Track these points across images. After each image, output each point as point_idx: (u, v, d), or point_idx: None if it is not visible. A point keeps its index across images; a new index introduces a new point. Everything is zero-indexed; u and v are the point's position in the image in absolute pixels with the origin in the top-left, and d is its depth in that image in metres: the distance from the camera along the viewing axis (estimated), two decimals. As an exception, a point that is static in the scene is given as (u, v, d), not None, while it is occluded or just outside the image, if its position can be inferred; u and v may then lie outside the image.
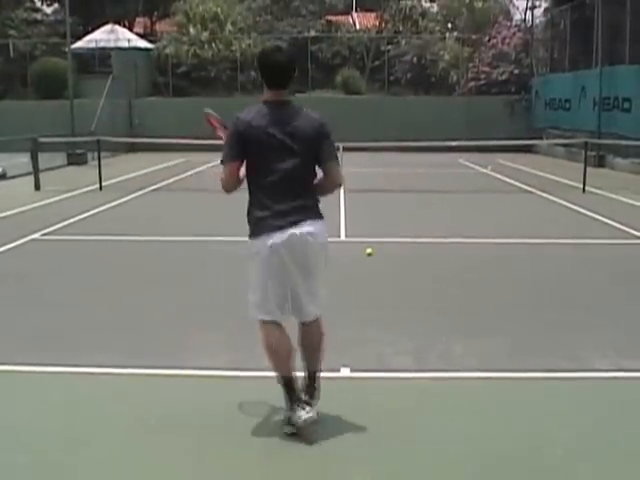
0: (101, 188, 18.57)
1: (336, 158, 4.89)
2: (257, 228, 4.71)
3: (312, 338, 4.99)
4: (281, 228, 4.64)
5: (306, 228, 4.70)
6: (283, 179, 4.68)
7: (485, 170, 24.16)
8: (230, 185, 4.80)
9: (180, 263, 10.33)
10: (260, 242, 4.66)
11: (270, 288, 4.72)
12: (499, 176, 22.38)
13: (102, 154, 20.29)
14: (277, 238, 4.63)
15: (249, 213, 4.80)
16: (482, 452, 4.67)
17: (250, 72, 37.41)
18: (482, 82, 35.36)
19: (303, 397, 4.83)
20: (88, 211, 14.87)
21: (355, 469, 4.46)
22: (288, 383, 4.80)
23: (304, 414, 4.70)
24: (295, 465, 4.49)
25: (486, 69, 35.40)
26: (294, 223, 4.67)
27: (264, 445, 4.59)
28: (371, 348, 6.57)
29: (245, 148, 4.67)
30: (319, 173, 4.89)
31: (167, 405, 5.36)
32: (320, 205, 4.92)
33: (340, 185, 4.99)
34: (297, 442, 4.75)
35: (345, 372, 5.96)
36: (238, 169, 4.75)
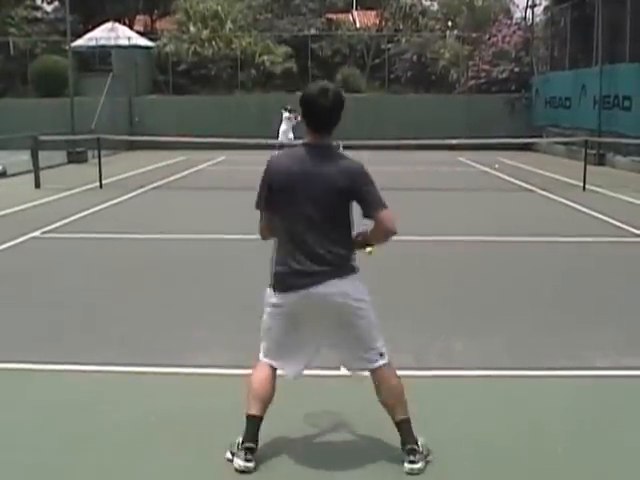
0: (101, 186, 18.57)
1: (382, 204, 4.51)
2: (275, 283, 4.44)
3: (381, 389, 4.53)
4: (301, 287, 4.33)
5: (327, 289, 4.35)
6: (303, 231, 4.33)
7: (488, 169, 24.15)
8: (264, 233, 4.53)
9: (180, 261, 10.32)
10: (274, 299, 4.43)
11: (281, 339, 4.49)
12: (499, 174, 22.38)
13: (102, 152, 20.30)
14: (293, 297, 4.37)
15: (273, 261, 4.48)
16: (482, 451, 4.67)
17: (250, 70, 37.41)
18: (482, 80, 35.36)
19: (254, 446, 4.43)
20: (88, 209, 14.87)
21: (354, 467, 4.47)
22: (249, 421, 4.47)
23: (240, 462, 4.37)
24: (295, 464, 4.50)
25: (486, 67, 35.39)
26: (310, 284, 4.33)
27: (265, 444, 4.59)
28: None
29: (274, 195, 4.34)
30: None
31: (168, 403, 5.37)
32: (353, 259, 4.60)
33: (393, 232, 4.68)
34: (298, 442, 4.75)
35: (344, 370, 5.95)
36: (270, 219, 4.45)
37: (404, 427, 4.47)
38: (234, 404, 4.80)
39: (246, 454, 4.39)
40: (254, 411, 4.48)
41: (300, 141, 4.91)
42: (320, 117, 4.33)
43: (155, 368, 6.10)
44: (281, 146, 28.26)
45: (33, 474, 4.43)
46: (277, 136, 26.14)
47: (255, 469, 4.39)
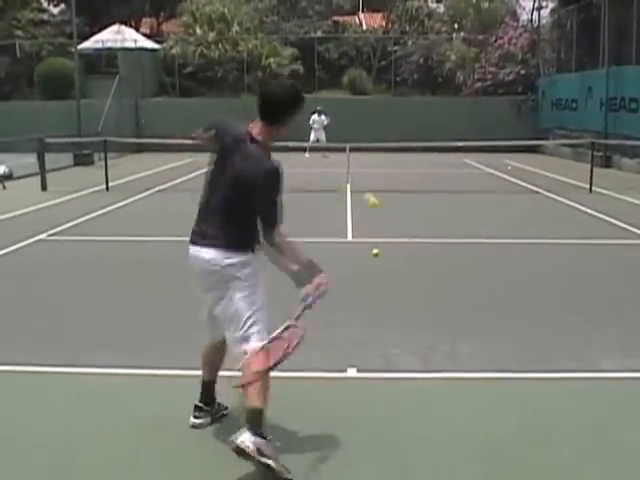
0: (108, 189, 18.59)
1: (268, 215, 4.45)
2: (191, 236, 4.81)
3: (243, 369, 4.52)
4: (194, 244, 4.69)
5: (208, 254, 4.57)
6: (216, 202, 4.68)
7: (495, 171, 24.13)
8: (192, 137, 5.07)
9: (185, 263, 10.30)
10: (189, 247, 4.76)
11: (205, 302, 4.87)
12: (506, 176, 22.36)
13: (109, 154, 20.31)
14: (190, 251, 4.71)
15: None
16: (488, 452, 4.67)
17: (257, 73, 37.42)
18: (489, 82, 35.35)
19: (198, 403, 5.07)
20: (95, 212, 14.89)
21: (361, 469, 4.46)
22: (202, 384, 5.12)
23: (192, 419, 5.02)
24: (299, 464, 4.49)
25: (493, 69, 35.39)
26: (202, 245, 4.62)
27: None
28: (377, 349, 6.57)
29: (217, 142, 4.77)
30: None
31: (170, 405, 5.37)
32: (247, 244, 4.55)
33: (270, 245, 4.50)
34: (301, 441, 4.75)
35: (352, 372, 5.95)
36: (207, 137, 4.91)
37: (249, 415, 4.38)
38: (236, 405, 4.80)
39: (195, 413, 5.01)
40: (204, 376, 5.12)
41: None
42: (264, 104, 4.54)
43: (158, 370, 6.10)
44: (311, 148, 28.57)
45: (34, 475, 4.44)
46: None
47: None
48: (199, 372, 5.99)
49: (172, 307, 8.11)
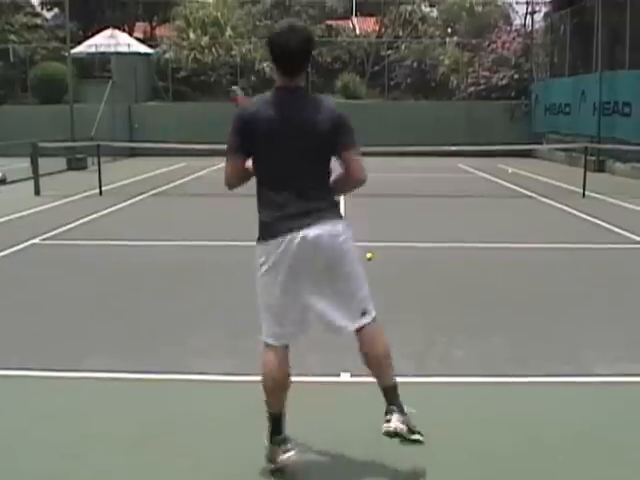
0: (101, 193, 18.57)
1: (357, 150, 4.38)
2: (265, 232, 4.25)
3: (368, 346, 4.37)
4: (291, 231, 4.14)
5: (318, 230, 4.17)
6: (291, 176, 4.20)
7: (489, 175, 24.18)
8: (232, 180, 4.38)
9: (179, 268, 10.31)
10: (268, 248, 4.21)
11: (281, 304, 4.26)
12: (499, 181, 22.39)
13: (102, 159, 20.29)
14: (287, 243, 4.15)
15: (259, 214, 4.34)
16: (481, 458, 4.66)
17: (250, 77, 37.44)
18: (482, 87, 35.41)
19: (287, 438, 4.39)
20: (88, 216, 14.86)
21: (353, 474, 4.45)
22: (275, 419, 4.38)
23: (282, 456, 4.31)
24: (294, 471, 4.48)
25: (486, 74, 35.45)
26: (305, 225, 4.15)
27: (264, 451, 4.58)
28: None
29: (250, 141, 4.20)
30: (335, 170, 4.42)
31: (167, 410, 5.36)
32: (339, 206, 4.49)
33: (363, 181, 4.45)
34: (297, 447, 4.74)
35: (345, 377, 5.95)
36: (242, 164, 4.32)
37: (390, 393, 4.36)
38: (234, 410, 4.79)
39: (282, 445, 4.32)
40: (275, 409, 4.36)
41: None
42: (288, 58, 4.16)
43: (154, 375, 6.09)
44: None
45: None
46: None
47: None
48: (196, 377, 6.00)
49: (167, 310, 8.10)
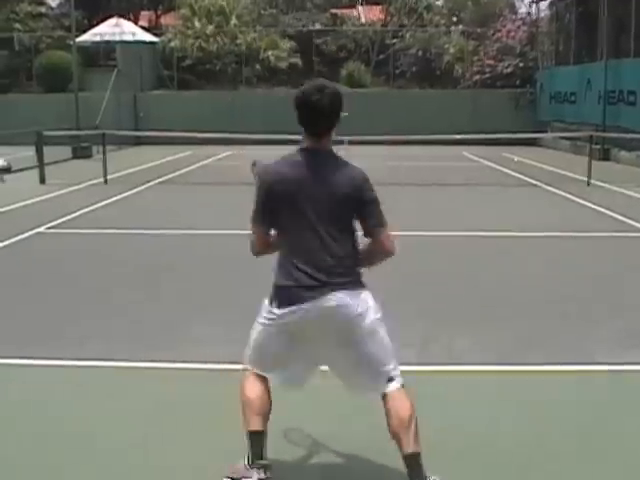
0: (106, 182, 18.60)
1: (384, 222, 4.14)
2: (278, 297, 4.03)
3: (393, 413, 4.02)
4: (306, 300, 3.94)
5: (337, 301, 3.97)
6: (312, 243, 3.97)
7: (494, 164, 24.16)
8: (257, 250, 4.16)
9: (183, 256, 10.35)
10: (279, 314, 4.00)
11: (275, 354, 4.12)
12: (503, 169, 22.38)
13: (108, 148, 20.29)
14: (297, 311, 3.96)
15: (275, 276, 4.09)
16: (484, 448, 4.69)
17: (255, 65, 37.42)
18: (487, 75, 35.32)
19: (268, 463, 4.08)
20: (93, 204, 14.89)
21: (356, 463, 4.48)
22: (253, 437, 4.08)
23: (255, 476, 4.01)
24: (294, 460, 4.52)
25: (491, 62, 35.35)
26: (318, 296, 3.94)
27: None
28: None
29: (273, 206, 3.98)
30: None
31: (168, 397, 5.39)
32: (361, 273, 4.23)
33: (391, 254, 4.23)
34: (297, 436, 4.77)
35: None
36: (266, 234, 4.09)
37: (412, 462, 3.96)
38: (233, 398, 4.80)
39: (265, 472, 4.04)
40: (257, 426, 4.09)
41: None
42: (318, 120, 3.97)
43: (156, 363, 6.12)
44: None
45: (36, 469, 4.46)
46: None
47: None
48: (197, 365, 6.04)
49: (170, 299, 8.13)
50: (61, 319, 7.43)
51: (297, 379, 4.24)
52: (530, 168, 22.61)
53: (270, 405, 4.15)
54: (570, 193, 16.54)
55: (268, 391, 4.17)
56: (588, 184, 17.97)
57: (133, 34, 36.96)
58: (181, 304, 7.95)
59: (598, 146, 23.89)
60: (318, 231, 3.96)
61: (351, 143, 22.92)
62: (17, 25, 40.23)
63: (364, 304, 4.06)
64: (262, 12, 41.79)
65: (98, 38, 36.30)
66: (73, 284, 8.85)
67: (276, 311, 4.01)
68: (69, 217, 13.46)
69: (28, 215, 13.92)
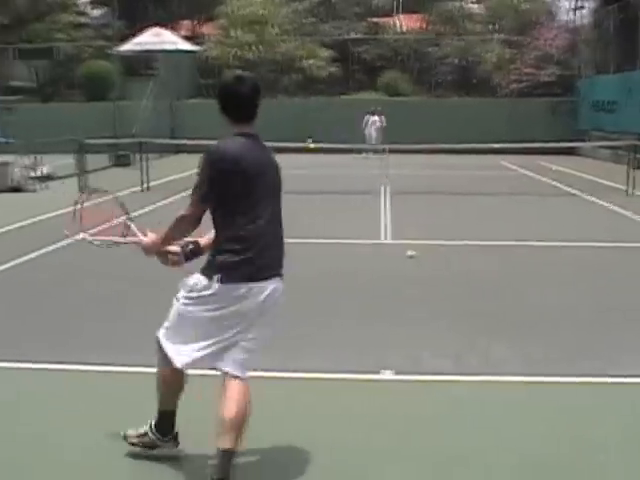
0: (146, 189, 18.75)
1: None
2: (230, 273, 4.15)
3: (229, 403, 4.15)
4: (257, 281, 4.15)
5: (278, 284, 4.27)
6: (270, 223, 4.21)
7: (533, 174, 24.02)
8: (190, 227, 4.42)
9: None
10: (226, 287, 4.13)
11: (208, 337, 4.21)
12: (542, 178, 22.24)
13: (147, 156, 20.45)
14: (255, 291, 4.14)
15: (219, 254, 4.26)
16: (522, 459, 4.66)
17: (294, 74, 37.54)
18: (525, 84, 35.11)
19: (175, 436, 4.55)
20: (133, 212, 14.97)
21: (391, 471, 4.49)
22: (170, 416, 4.50)
23: (165, 450, 4.52)
24: (329, 466, 4.53)
25: (529, 70, 35.13)
26: (271, 277, 4.21)
27: (288, 445, 4.65)
28: (410, 351, 6.57)
29: (226, 188, 4.15)
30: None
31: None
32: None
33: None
34: (332, 440, 4.78)
35: (385, 374, 5.97)
36: (204, 212, 4.32)
37: (222, 458, 4.08)
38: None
39: (169, 444, 4.52)
40: (173, 406, 4.48)
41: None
42: (246, 105, 4.23)
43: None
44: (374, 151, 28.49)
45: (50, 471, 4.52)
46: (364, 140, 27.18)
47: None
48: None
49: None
50: (97, 324, 7.49)
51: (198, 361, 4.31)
52: (569, 177, 22.45)
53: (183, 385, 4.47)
54: (609, 202, 16.40)
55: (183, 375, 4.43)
56: (627, 193, 17.79)
57: (173, 43, 37.23)
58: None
59: (639, 155, 23.63)
60: (272, 212, 4.23)
61: (390, 152, 23.04)
62: (59, 35, 40.73)
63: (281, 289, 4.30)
64: (302, 21, 41.91)
65: (139, 47, 36.61)
66: (113, 290, 8.93)
67: (218, 285, 4.16)
68: (110, 224, 13.55)
69: (70, 222, 14.04)
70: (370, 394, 5.65)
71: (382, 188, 18.39)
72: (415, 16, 46.28)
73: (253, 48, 37.71)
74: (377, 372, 6.00)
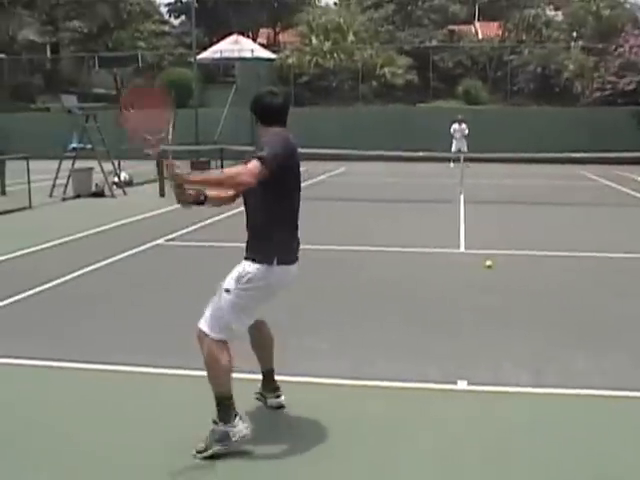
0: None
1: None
2: (283, 256, 4.86)
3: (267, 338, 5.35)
4: (293, 262, 4.97)
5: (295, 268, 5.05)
6: (296, 211, 5.01)
7: (615, 184, 23.58)
8: (237, 187, 5.00)
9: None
10: (281, 270, 4.86)
11: (251, 316, 4.98)
12: (623, 189, 21.80)
13: (225, 162, 20.67)
14: (287, 271, 4.92)
15: (272, 237, 4.89)
16: (599, 473, 4.56)
17: (371, 82, 37.56)
18: (608, 92, 34.50)
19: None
20: (210, 218, 15.18)
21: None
22: (230, 399, 4.78)
23: (243, 429, 4.75)
24: (407, 471, 4.49)
25: (612, 79, 34.51)
26: (296, 260, 5.02)
27: (318, 447, 4.64)
28: (488, 361, 6.50)
29: (286, 170, 4.77)
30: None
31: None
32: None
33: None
34: (408, 447, 4.75)
35: (462, 385, 5.91)
36: (255, 183, 4.70)
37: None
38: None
39: (243, 420, 4.79)
40: (229, 389, 4.76)
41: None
42: (281, 112, 4.98)
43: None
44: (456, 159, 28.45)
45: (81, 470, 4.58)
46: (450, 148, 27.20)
47: None
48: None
49: (280, 310, 8.19)
50: (171, 328, 7.57)
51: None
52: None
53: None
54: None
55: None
56: None
57: (252, 51, 37.63)
58: (293, 316, 8.01)
59: None
60: (298, 201, 5.03)
61: (466, 160, 22.87)
62: (141, 43, 41.54)
63: None
64: (379, 29, 41.96)
65: (218, 55, 37.09)
66: (187, 293, 9.00)
67: (276, 269, 4.81)
68: (187, 230, 13.76)
69: (148, 227, 14.31)
70: (446, 403, 5.60)
71: (461, 197, 18.26)
72: (493, 24, 45.98)
73: (330, 56, 37.87)
74: (454, 382, 5.95)
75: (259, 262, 4.79)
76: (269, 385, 5.39)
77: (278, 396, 5.38)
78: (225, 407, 4.71)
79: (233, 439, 4.68)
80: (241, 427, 4.71)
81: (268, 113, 4.94)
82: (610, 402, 5.73)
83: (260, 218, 4.93)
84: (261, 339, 5.31)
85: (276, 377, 5.40)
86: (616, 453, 4.81)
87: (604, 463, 4.68)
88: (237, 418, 4.73)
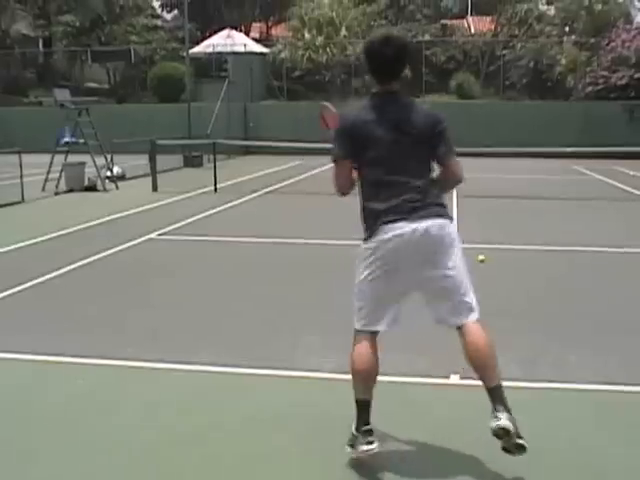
0: (216, 190, 18.93)
1: (454, 152, 4.52)
2: (374, 227, 4.34)
3: (471, 346, 4.40)
4: (395, 222, 4.27)
5: (429, 222, 4.30)
6: (396, 175, 4.32)
7: (607, 179, 23.62)
8: (343, 186, 4.56)
9: (291, 265, 10.43)
10: (376, 240, 4.31)
11: (378, 293, 4.38)
12: (616, 183, 21.83)
13: (218, 157, 20.67)
14: (391, 232, 4.27)
15: (363, 213, 4.46)
16: (588, 467, 4.57)
17: (364, 76, 37.53)
18: (600, 87, 34.55)
19: (370, 428, 4.38)
20: (203, 212, 15.19)
21: (460, 474, 4.44)
22: (361, 406, 4.43)
23: (364, 447, 4.32)
24: (402, 467, 4.50)
25: (605, 73, 34.57)
26: (416, 219, 4.28)
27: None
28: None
29: (353, 145, 4.38)
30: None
31: (275, 405, 5.43)
32: (444, 203, 4.53)
33: (461, 180, 4.59)
34: (402, 442, 4.76)
35: (454, 379, 5.92)
36: (350, 169, 4.48)
37: (495, 393, 4.30)
38: (338, 408, 4.83)
39: (366, 436, 4.33)
40: (364, 395, 4.42)
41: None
42: (385, 66, 4.41)
43: (262, 370, 6.16)
44: None
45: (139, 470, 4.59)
46: None
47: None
48: (303, 373, 6.08)
49: (276, 307, 8.20)
50: (167, 323, 7.57)
51: (397, 319, 4.51)
52: (645, 182, 21.99)
53: (377, 368, 4.42)
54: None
55: (375, 352, 4.43)
56: None
57: (244, 45, 37.58)
58: (288, 312, 8.00)
59: None
60: (402, 164, 4.35)
61: (459, 155, 22.79)
62: (133, 37, 41.42)
63: (452, 229, 4.45)
64: (372, 23, 41.91)
65: (210, 49, 37.05)
66: (180, 288, 9.02)
67: (371, 242, 4.35)
68: (180, 224, 13.75)
69: (141, 221, 14.29)
70: (438, 397, 5.61)
71: (454, 191, 18.26)
72: (486, 18, 46.01)
73: (323, 50, 37.82)
74: (447, 377, 5.96)
75: (451, 218, 4.46)
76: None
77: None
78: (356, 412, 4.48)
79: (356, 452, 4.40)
80: (362, 446, 4.35)
81: (370, 65, 4.47)
82: (600, 396, 5.74)
83: (426, 175, 4.46)
84: None
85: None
86: (604, 446, 4.83)
87: (599, 457, 4.69)
88: (361, 434, 4.36)
